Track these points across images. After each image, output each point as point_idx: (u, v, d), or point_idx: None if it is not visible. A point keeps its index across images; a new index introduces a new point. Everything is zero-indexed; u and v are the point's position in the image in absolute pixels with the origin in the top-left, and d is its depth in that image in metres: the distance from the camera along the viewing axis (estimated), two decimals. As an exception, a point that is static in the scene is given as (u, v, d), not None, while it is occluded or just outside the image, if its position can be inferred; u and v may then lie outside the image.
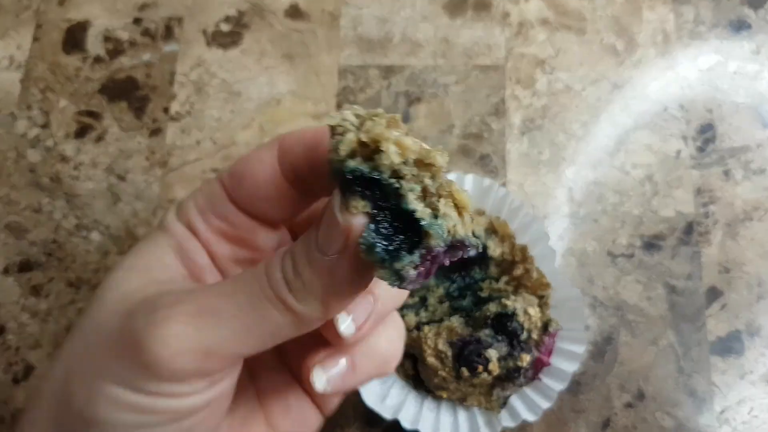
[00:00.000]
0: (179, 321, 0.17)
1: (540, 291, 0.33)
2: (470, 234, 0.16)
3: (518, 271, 0.33)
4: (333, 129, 0.16)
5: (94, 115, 0.40)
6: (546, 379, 0.32)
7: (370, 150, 0.16)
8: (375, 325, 0.20)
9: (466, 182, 0.35)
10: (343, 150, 0.16)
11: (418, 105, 0.39)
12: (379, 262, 0.16)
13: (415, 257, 0.16)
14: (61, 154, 0.39)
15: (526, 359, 0.31)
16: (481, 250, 0.15)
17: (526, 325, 0.31)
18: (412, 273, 0.16)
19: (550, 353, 0.32)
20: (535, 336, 0.31)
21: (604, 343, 0.35)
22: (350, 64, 0.40)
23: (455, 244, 0.16)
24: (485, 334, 0.31)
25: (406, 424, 0.31)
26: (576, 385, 0.34)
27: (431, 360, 0.31)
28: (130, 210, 0.38)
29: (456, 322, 0.32)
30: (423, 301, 0.34)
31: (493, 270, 0.34)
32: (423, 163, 0.16)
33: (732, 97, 0.39)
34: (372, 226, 0.16)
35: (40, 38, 0.42)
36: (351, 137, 0.16)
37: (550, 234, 0.36)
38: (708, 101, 0.39)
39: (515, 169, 0.38)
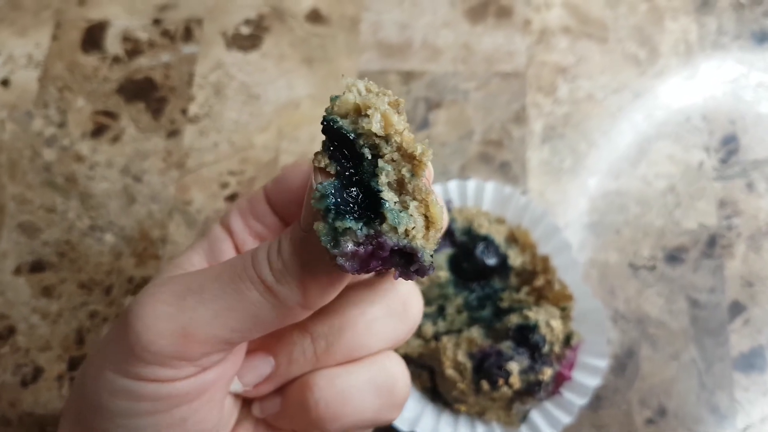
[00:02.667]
0: (162, 300, 0.17)
1: (562, 303, 0.32)
2: (428, 252, 0.16)
3: (539, 281, 0.33)
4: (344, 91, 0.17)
5: (111, 115, 0.40)
6: (567, 394, 0.31)
7: (361, 116, 0.16)
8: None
9: (487, 189, 0.34)
10: (338, 107, 0.16)
11: (438, 111, 0.39)
12: (323, 213, 0.15)
13: (361, 231, 0.15)
14: (77, 153, 0.39)
15: (547, 373, 0.30)
16: (432, 270, 0.15)
17: (548, 338, 0.30)
18: (349, 247, 0.15)
19: (571, 367, 0.31)
20: (556, 349, 0.31)
21: (626, 357, 0.34)
22: (369, 69, 0.40)
23: (407, 251, 0.15)
24: (506, 346, 0.30)
25: (423, 436, 0.30)
26: (596, 400, 0.33)
27: (450, 372, 0.31)
28: (146, 211, 0.38)
29: (476, 333, 0.31)
30: (441, 310, 0.33)
31: (513, 280, 0.33)
32: (407, 154, 0.16)
33: (755, 108, 0.39)
34: (336, 183, 0.16)
35: (59, 37, 0.41)
36: (350, 98, 0.16)
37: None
38: (731, 112, 0.38)
39: (536, 177, 0.37)
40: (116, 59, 0.41)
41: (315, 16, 0.41)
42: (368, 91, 0.16)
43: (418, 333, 0.33)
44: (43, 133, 0.39)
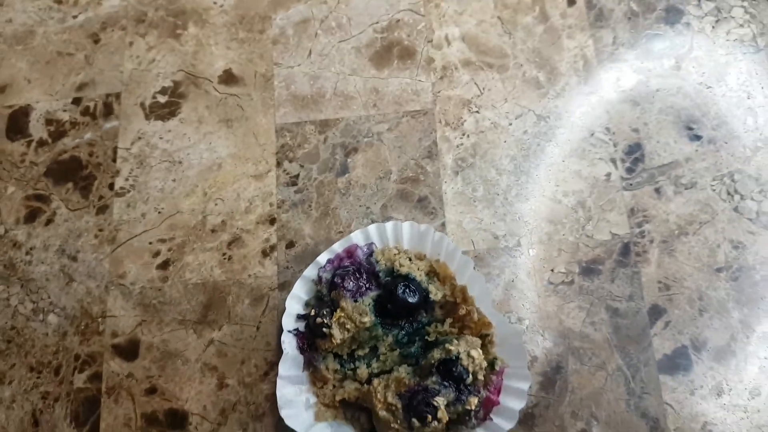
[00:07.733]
0: None
1: (483, 330, 0.33)
2: None
3: (462, 311, 0.34)
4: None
5: (41, 198, 0.41)
6: (497, 419, 0.32)
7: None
8: None
9: (404, 229, 0.36)
10: None
11: (355, 155, 0.40)
12: None
13: None
14: (13, 240, 0.40)
15: (473, 402, 0.31)
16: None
17: (470, 368, 0.32)
18: None
19: (499, 391, 0.33)
20: (481, 377, 0.32)
21: (554, 373, 0.35)
22: (286, 122, 0.41)
23: None
24: (432, 381, 0.32)
25: (363, 478, 0.32)
26: (530, 418, 0.34)
27: (383, 413, 0.32)
28: (83, 289, 0.39)
29: (404, 372, 0.33)
30: (374, 350, 0.35)
31: (438, 312, 0.35)
32: None
33: (656, 115, 0.40)
34: None
35: (-16, 128, 0.43)
36: None
37: (491, 269, 0.37)
38: (633, 121, 0.40)
39: (452, 207, 0.39)
40: (41, 142, 0.42)
41: (228, 78, 0.43)
42: None
43: (354, 376, 0.34)
44: (-22, 223, 0.41)
